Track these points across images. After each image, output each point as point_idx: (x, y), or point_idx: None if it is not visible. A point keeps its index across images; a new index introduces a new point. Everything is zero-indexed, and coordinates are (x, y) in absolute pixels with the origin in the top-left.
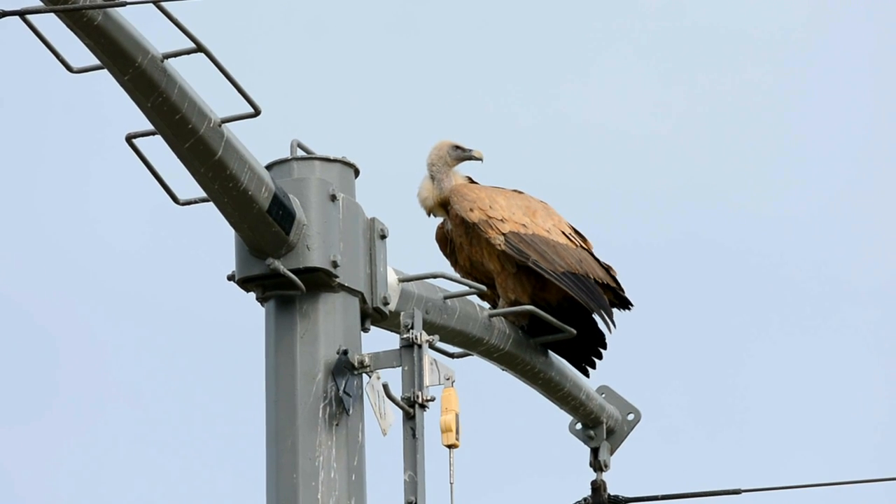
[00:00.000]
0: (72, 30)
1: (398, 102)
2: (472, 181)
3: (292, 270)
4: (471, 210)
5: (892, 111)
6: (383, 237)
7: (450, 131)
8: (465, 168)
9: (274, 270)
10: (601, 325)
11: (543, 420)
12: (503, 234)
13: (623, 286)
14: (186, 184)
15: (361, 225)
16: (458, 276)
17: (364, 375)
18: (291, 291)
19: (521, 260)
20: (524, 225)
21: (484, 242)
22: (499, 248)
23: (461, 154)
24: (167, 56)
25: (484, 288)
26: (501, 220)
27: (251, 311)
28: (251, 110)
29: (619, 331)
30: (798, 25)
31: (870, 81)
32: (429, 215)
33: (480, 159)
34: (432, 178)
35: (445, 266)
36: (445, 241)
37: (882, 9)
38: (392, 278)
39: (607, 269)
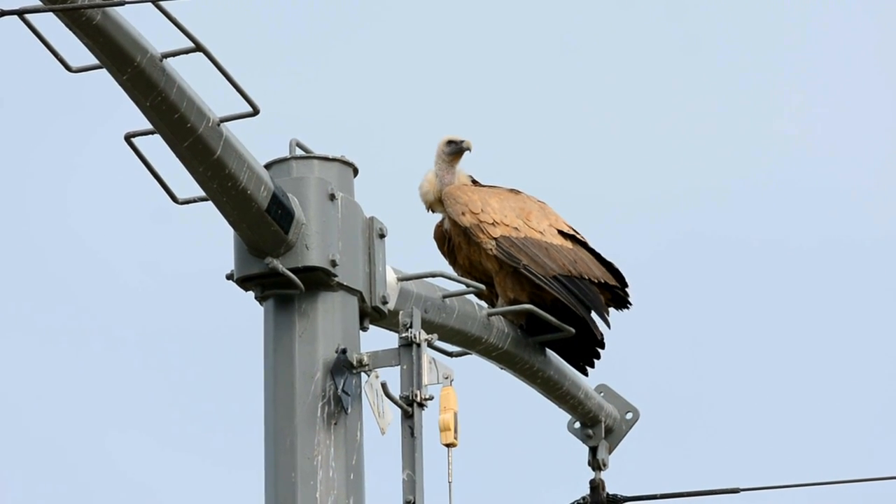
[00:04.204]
0: (70, 29)
1: (398, 102)
2: (474, 181)
3: (291, 269)
4: (462, 214)
5: None
6: (382, 236)
7: (449, 131)
8: (469, 167)
9: (273, 269)
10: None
11: (542, 419)
12: (494, 239)
13: (627, 282)
14: (185, 183)
15: (360, 224)
16: (456, 274)
17: (363, 374)
18: (290, 290)
19: (513, 264)
20: (516, 228)
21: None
22: (490, 252)
23: (455, 148)
24: (166, 55)
25: (482, 287)
26: (493, 223)
27: (250, 310)
28: (250, 109)
29: (618, 329)
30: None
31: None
32: (428, 210)
33: (469, 149)
34: (437, 173)
35: (444, 265)
36: (443, 239)
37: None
38: (391, 277)
39: (609, 265)
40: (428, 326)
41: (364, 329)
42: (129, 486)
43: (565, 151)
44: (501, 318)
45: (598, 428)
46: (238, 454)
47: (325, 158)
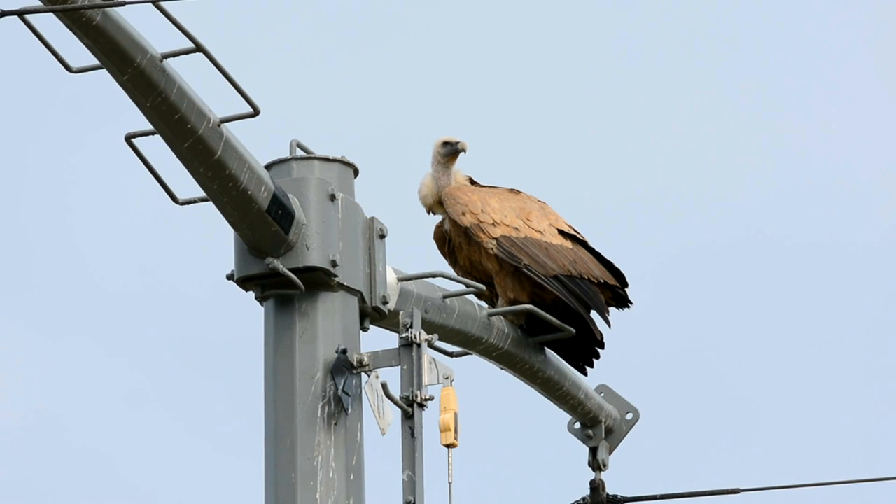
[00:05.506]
0: (71, 30)
1: (398, 102)
2: (472, 181)
3: (291, 270)
4: (462, 214)
5: None
6: (382, 236)
7: (450, 131)
8: (475, 168)
9: (273, 270)
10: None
11: (542, 419)
12: (495, 239)
13: (627, 281)
14: (186, 183)
15: (360, 224)
16: (456, 275)
17: (363, 374)
18: (290, 291)
19: (514, 264)
20: (516, 228)
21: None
22: (491, 252)
23: (450, 149)
24: (166, 56)
25: (482, 287)
26: (493, 223)
27: (250, 311)
28: (250, 110)
29: (618, 329)
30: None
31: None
32: (428, 213)
33: (464, 150)
34: (434, 175)
35: (444, 265)
36: (444, 239)
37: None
38: (391, 277)
39: (609, 264)
40: (428, 327)
41: (364, 329)
42: (129, 487)
43: (567, 154)
44: (501, 318)
45: (598, 428)
46: (237, 454)
47: (326, 159)
